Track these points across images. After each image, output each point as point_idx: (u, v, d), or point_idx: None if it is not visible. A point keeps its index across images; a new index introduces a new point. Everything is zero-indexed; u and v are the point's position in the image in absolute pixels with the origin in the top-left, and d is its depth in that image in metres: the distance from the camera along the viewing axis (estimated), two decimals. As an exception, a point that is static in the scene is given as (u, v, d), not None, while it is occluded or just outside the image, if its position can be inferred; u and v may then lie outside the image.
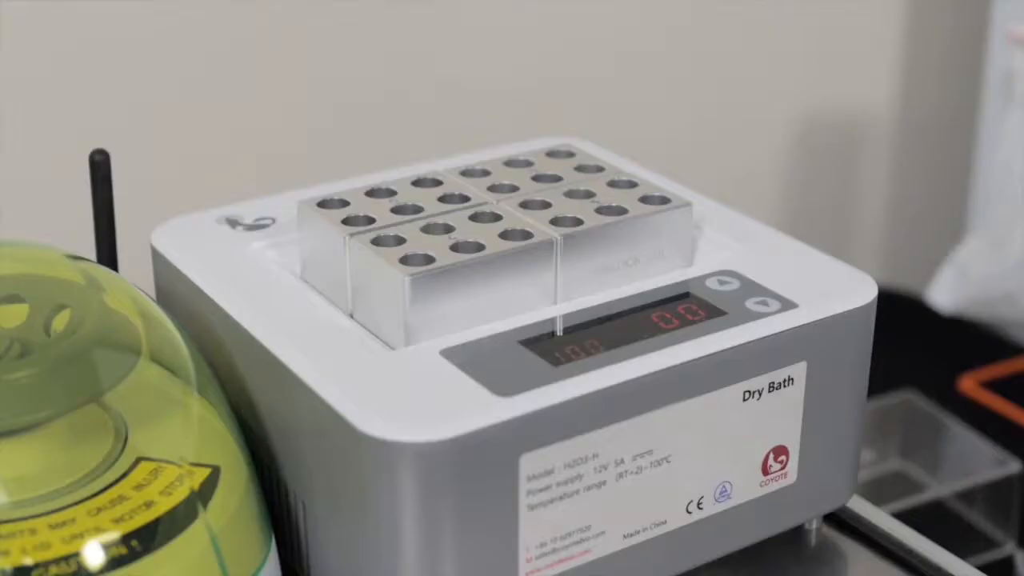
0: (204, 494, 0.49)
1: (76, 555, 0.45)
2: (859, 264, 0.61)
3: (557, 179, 0.60)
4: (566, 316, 0.54)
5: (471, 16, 1.01)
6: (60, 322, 0.50)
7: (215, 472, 0.50)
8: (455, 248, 0.53)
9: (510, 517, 0.49)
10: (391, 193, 0.58)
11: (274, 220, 0.61)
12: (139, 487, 0.48)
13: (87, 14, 0.83)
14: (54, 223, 0.83)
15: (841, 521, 0.61)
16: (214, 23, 0.87)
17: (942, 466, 1.04)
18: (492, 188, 0.59)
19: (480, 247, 0.53)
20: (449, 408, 0.48)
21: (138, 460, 0.49)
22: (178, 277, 0.58)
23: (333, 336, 0.53)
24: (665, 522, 0.53)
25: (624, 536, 0.52)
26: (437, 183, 0.59)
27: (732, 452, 0.54)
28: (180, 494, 0.48)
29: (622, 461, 0.51)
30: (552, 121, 0.79)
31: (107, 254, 0.62)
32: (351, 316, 0.54)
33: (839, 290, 0.56)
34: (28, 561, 0.45)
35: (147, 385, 0.51)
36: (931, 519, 0.97)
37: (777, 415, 0.54)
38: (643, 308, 0.54)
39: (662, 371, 0.51)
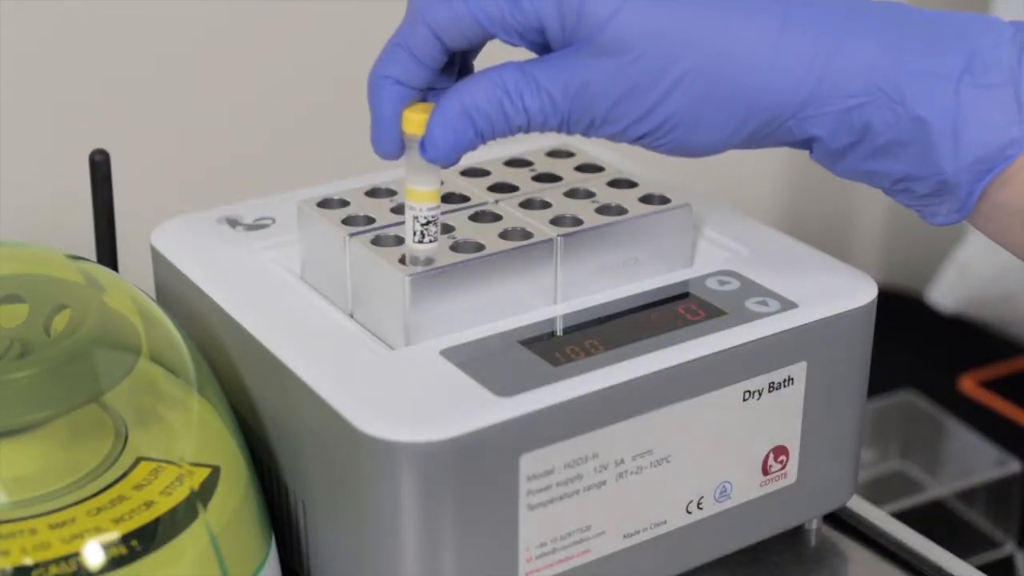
0: (204, 494, 0.49)
1: (76, 555, 0.45)
2: (859, 264, 0.61)
3: (557, 179, 0.60)
4: (566, 316, 0.54)
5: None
6: (60, 322, 0.50)
7: (215, 472, 0.50)
8: (455, 248, 0.53)
9: (510, 517, 0.49)
10: (391, 193, 0.58)
11: (274, 220, 0.61)
12: (139, 487, 0.48)
13: (88, 13, 0.82)
14: (54, 223, 0.83)
15: (841, 521, 0.61)
16: (215, 23, 0.87)
17: (942, 466, 1.04)
18: (492, 188, 0.59)
19: (480, 247, 0.53)
20: (449, 408, 0.48)
21: (138, 460, 0.49)
22: (178, 277, 0.58)
23: (333, 336, 0.53)
24: (665, 522, 0.53)
25: (624, 536, 0.52)
26: (437, 183, 0.59)
27: (732, 452, 0.54)
28: (180, 494, 0.48)
29: (622, 461, 0.51)
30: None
31: (107, 254, 0.62)
32: (351, 316, 0.54)
33: (839, 290, 0.56)
34: (28, 561, 0.45)
35: (147, 385, 0.51)
36: (931, 519, 0.97)
37: (777, 415, 0.54)
38: (643, 308, 0.54)
39: (662, 371, 0.50)
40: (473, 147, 0.49)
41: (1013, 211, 0.49)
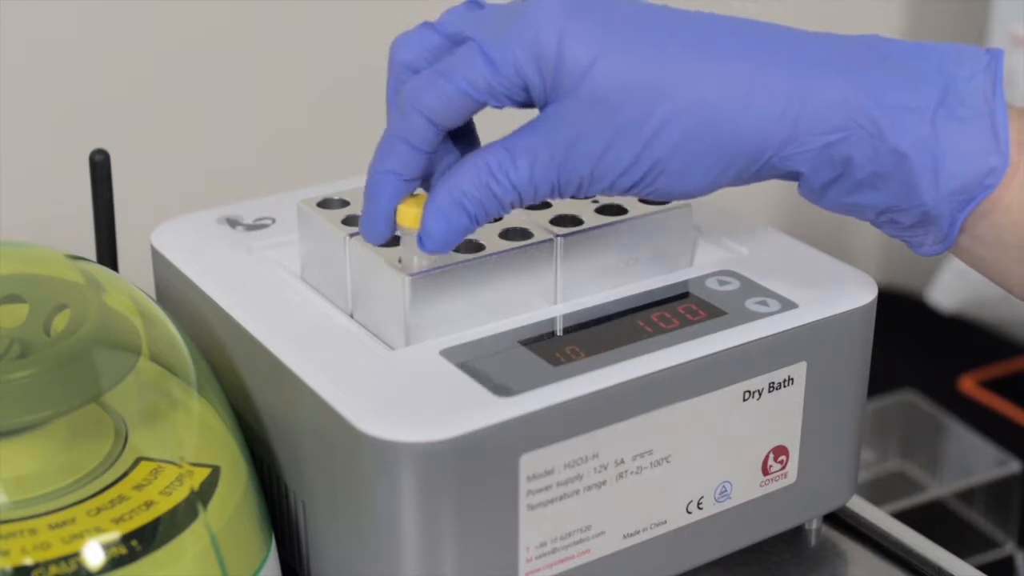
0: (204, 494, 0.49)
1: (76, 555, 0.45)
2: (859, 264, 0.61)
3: (557, 179, 0.60)
4: (566, 316, 0.54)
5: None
6: (60, 322, 0.50)
7: (215, 472, 0.50)
8: (455, 248, 0.53)
9: (510, 517, 0.49)
10: (391, 193, 0.58)
11: (274, 220, 0.61)
12: (139, 487, 0.48)
13: (87, 14, 0.82)
14: (54, 223, 0.83)
15: (841, 521, 0.61)
16: (215, 23, 0.87)
17: (942, 466, 1.04)
18: (492, 188, 0.59)
19: (480, 247, 0.53)
20: (449, 408, 0.48)
21: (138, 460, 0.49)
22: (178, 277, 0.58)
23: (333, 336, 0.53)
24: (665, 522, 0.53)
25: (624, 536, 0.52)
26: (437, 183, 0.59)
27: (732, 452, 0.54)
28: (180, 494, 0.48)
29: (622, 461, 0.51)
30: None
31: (107, 254, 0.62)
32: (351, 316, 0.54)
33: (839, 290, 0.56)
34: (28, 561, 0.45)
35: (147, 385, 0.51)
36: (931, 519, 0.97)
37: (777, 415, 0.54)
38: (643, 308, 0.54)
39: (662, 371, 0.50)
40: (470, 232, 0.49)
41: (993, 244, 0.49)
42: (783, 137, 0.48)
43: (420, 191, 0.51)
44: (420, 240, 0.49)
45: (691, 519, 0.54)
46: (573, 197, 0.49)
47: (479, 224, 0.49)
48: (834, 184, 0.49)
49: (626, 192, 0.49)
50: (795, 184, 0.51)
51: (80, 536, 0.46)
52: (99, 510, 0.47)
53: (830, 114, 0.48)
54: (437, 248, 0.49)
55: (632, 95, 0.47)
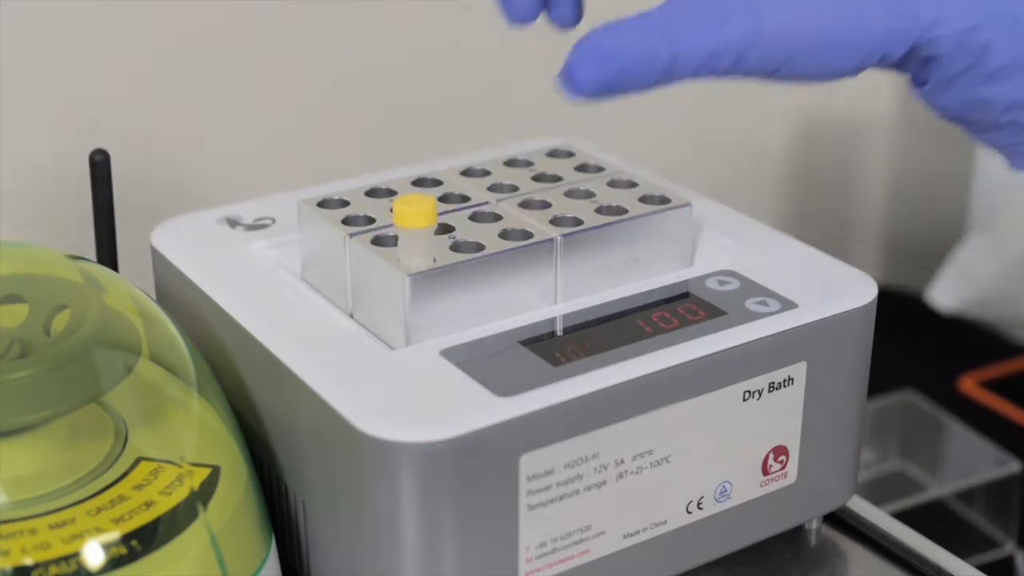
0: (204, 494, 0.49)
1: (76, 555, 0.45)
2: (859, 264, 0.61)
3: (557, 179, 0.60)
4: (566, 316, 0.54)
5: (472, 15, 1.01)
6: (60, 322, 0.50)
7: (215, 472, 0.50)
8: (455, 248, 0.53)
9: (510, 517, 0.49)
10: (391, 193, 0.58)
11: (274, 220, 0.61)
12: (139, 487, 0.48)
13: (88, 13, 0.83)
14: (54, 223, 0.83)
15: (841, 521, 0.61)
16: (215, 23, 0.87)
17: (942, 466, 1.04)
18: (492, 188, 0.59)
19: (480, 247, 0.53)
20: (449, 408, 0.48)
21: (138, 460, 0.49)
22: (178, 277, 0.58)
23: (333, 336, 0.53)
24: (665, 522, 0.53)
25: (624, 536, 0.52)
26: (437, 183, 0.59)
27: (732, 452, 0.54)
28: (180, 494, 0.48)
29: (622, 461, 0.51)
30: (552, 121, 0.79)
31: (107, 254, 0.62)
32: (351, 316, 0.54)
33: (839, 290, 0.56)
34: (28, 561, 0.45)
35: (147, 385, 0.51)
36: (931, 519, 0.97)
37: (777, 415, 0.54)
38: (643, 308, 0.54)
39: (662, 371, 0.50)
40: (614, 91, 0.45)
41: None
42: (931, 17, 0.47)
43: (420, 192, 0.51)
44: (567, 78, 0.45)
45: (691, 519, 0.54)
46: (728, 73, 0.46)
47: (625, 87, 0.45)
48: (967, 73, 0.49)
49: (773, 74, 0.47)
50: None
51: (80, 536, 0.46)
52: (99, 510, 0.47)
53: (970, 2, 0.48)
54: (584, 90, 0.45)
55: None
